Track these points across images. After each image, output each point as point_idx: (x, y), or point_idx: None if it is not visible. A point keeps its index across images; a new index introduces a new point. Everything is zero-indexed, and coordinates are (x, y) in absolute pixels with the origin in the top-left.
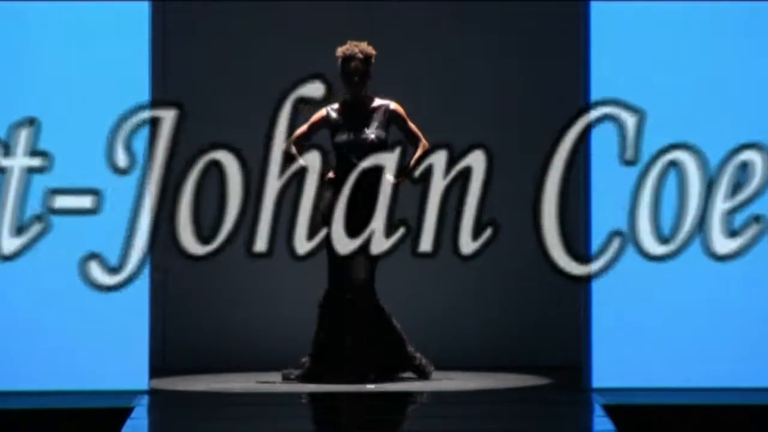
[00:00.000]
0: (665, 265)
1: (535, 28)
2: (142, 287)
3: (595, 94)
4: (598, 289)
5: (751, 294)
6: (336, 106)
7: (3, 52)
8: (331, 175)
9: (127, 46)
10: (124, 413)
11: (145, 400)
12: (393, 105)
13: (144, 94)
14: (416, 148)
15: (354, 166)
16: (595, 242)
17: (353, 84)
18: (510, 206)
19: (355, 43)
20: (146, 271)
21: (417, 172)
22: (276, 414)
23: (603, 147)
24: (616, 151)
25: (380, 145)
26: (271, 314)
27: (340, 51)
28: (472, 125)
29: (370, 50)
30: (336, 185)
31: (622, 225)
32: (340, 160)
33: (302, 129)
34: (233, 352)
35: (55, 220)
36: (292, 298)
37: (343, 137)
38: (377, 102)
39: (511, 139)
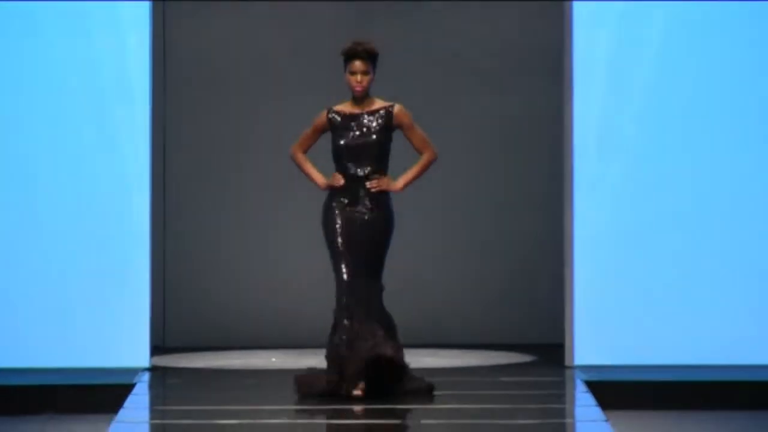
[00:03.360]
0: (645, 248)
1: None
2: (143, 269)
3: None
4: (580, 271)
5: (728, 276)
6: (339, 107)
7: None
8: (341, 182)
9: (128, 43)
10: (127, 389)
11: (146, 377)
12: (396, 107)
13: (145, 93)
14: (422, 155)
15: (350, 168)
16: (578, 244)
17: (356, 83)
18: (498, 193)
19: (358, 41)
20: (147, 253)
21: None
22: (273, 389)
23: (585, 143)
24: (599, 146)
25: (380, 149)
26: (269, 294)
27: (343, 50)
28: (468, 127)
29: (374, 49)
30: (336, 190)
31: (604, 224)
32: (339, 162)
33: (307, 133)
34: (231, 331)
35: (59, 207)
36: (290, 278)
37: (342, 140)
38: (380, 104)
39: (505, 137)
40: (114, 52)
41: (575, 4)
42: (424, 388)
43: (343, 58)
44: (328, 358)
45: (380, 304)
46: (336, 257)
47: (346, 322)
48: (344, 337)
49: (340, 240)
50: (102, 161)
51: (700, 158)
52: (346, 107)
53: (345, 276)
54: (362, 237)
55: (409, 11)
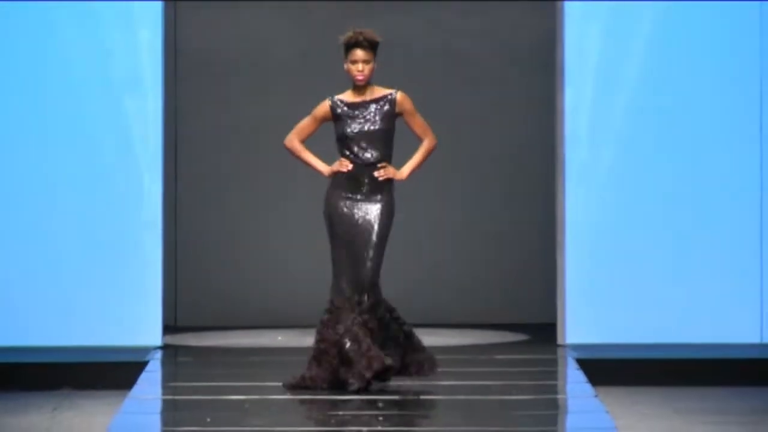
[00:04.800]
0: (634, 231)
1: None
2: (155, 252)
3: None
4: (572, 253)
5: (715, 258)
6: (341, 96)
7: (7, 50)
8: (349, 167)
9: (141, 39)
10: (140, 366)
11: (158, 355)
12: (399, 95)
13: (158, 86)
14: (423, 141)
15: (356, 157)
16: (570, 228)
17: (358, 73)
18: (493, 179)
19: (359, 30)
20: (160, 236)
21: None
22: (279, 366)
23: (576, 129)
24: (589, 135)
25: (386, 136)
26: (275, 276)
27: (343, 38)
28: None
29: (375, 37)
30: (339, 178)
31: (595, 208)
32: (343, 150)
33: (306, 122)
34: (239, 311)
35: (76, 192)
36: (295, 261)
37: (349, 128)
38: (382, 91)
39: (500, 128)
40: (128, 47)
41: (566, 3)
42: (427, 360)
43: (343, 47)
44: (321, 346)
45: (379, 295)
46: (337, 246)
47: (349, 313)
48: (349, 328)
49: (341, 229)
50: (117, 149)
51: (687, 146)
52: (348, 96)
53: (346, 265)
54: (364, 225)
55: (408, 8)
